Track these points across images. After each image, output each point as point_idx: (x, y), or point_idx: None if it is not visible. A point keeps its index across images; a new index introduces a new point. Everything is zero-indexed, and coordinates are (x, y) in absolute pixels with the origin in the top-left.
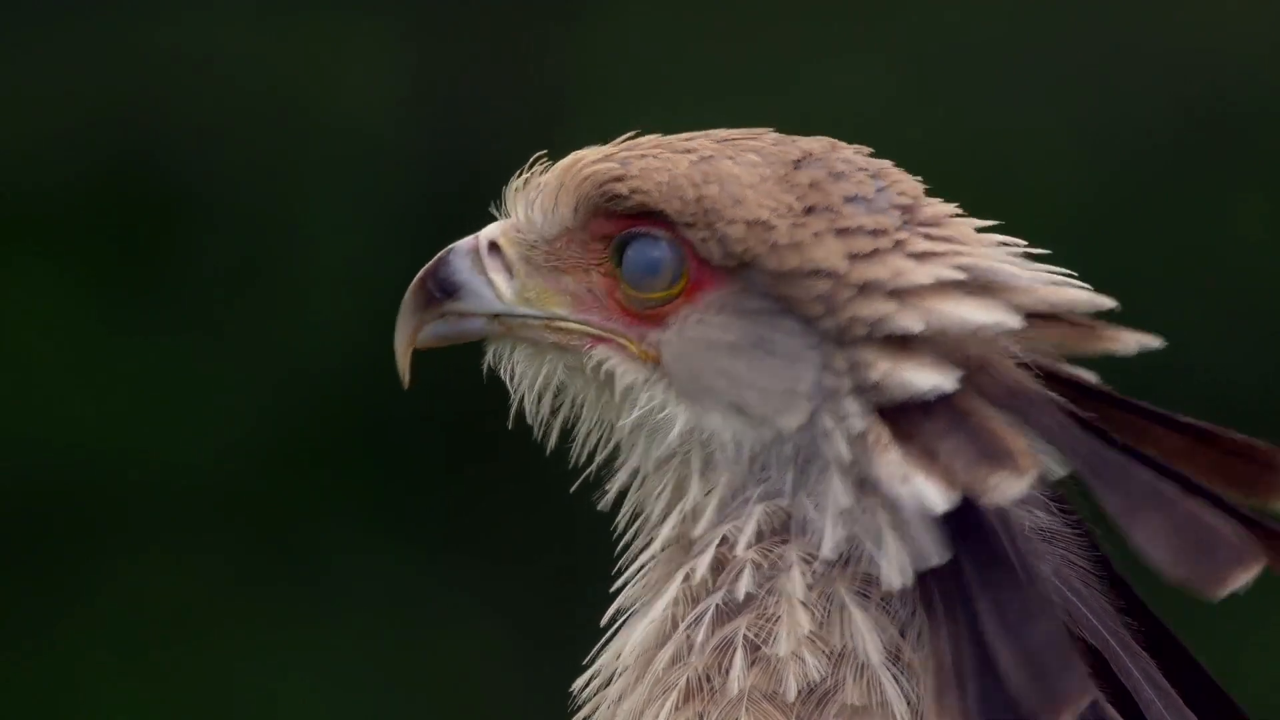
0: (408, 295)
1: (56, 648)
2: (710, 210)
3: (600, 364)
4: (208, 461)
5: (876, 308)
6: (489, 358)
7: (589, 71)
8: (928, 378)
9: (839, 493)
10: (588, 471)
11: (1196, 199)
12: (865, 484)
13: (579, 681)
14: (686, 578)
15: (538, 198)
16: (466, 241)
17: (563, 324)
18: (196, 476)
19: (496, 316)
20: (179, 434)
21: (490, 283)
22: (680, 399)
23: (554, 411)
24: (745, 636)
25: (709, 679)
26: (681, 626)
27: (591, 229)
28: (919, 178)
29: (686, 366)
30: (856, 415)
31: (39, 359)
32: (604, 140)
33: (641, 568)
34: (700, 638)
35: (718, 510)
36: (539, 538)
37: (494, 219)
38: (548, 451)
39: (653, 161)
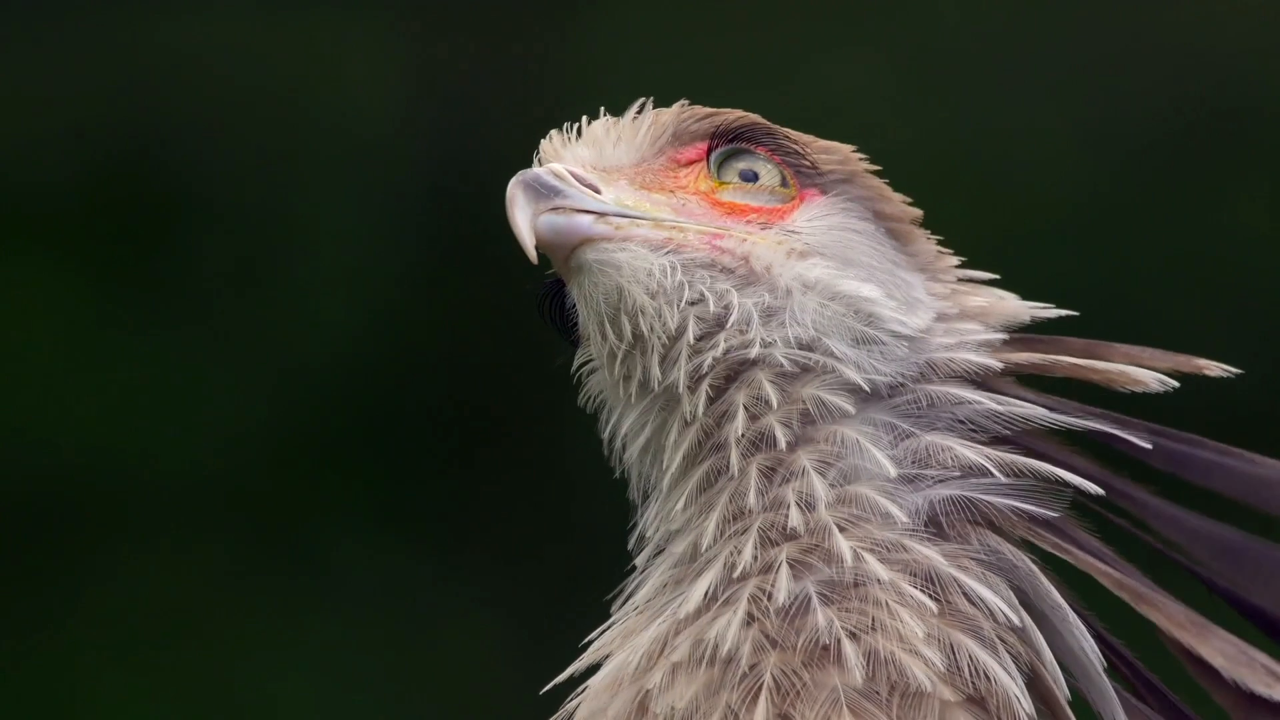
0: (517, 191)
1: (55, 645)
2: (800, 137)
3: (738, 248)
4: (208, 459)
5: (948, 259)
6: (589, 274)
7: (589, 71)
8: (1028, 307)
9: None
10: (598, 471)
11: (1197, 198)
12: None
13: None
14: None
15: (605, 134)
16: (537, 168)
17: (671, 224)
18: (197, 474)
19: (603, 215)
20: (179, 431)
21: (584, 191)
22: (832, 266)
23: (651, 325)
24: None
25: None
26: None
27: (678, 154)
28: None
29: (836, 242)
30: (979, 329)
31: (38, 356)
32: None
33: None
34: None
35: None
36: (540, 534)
37: (490, 220)
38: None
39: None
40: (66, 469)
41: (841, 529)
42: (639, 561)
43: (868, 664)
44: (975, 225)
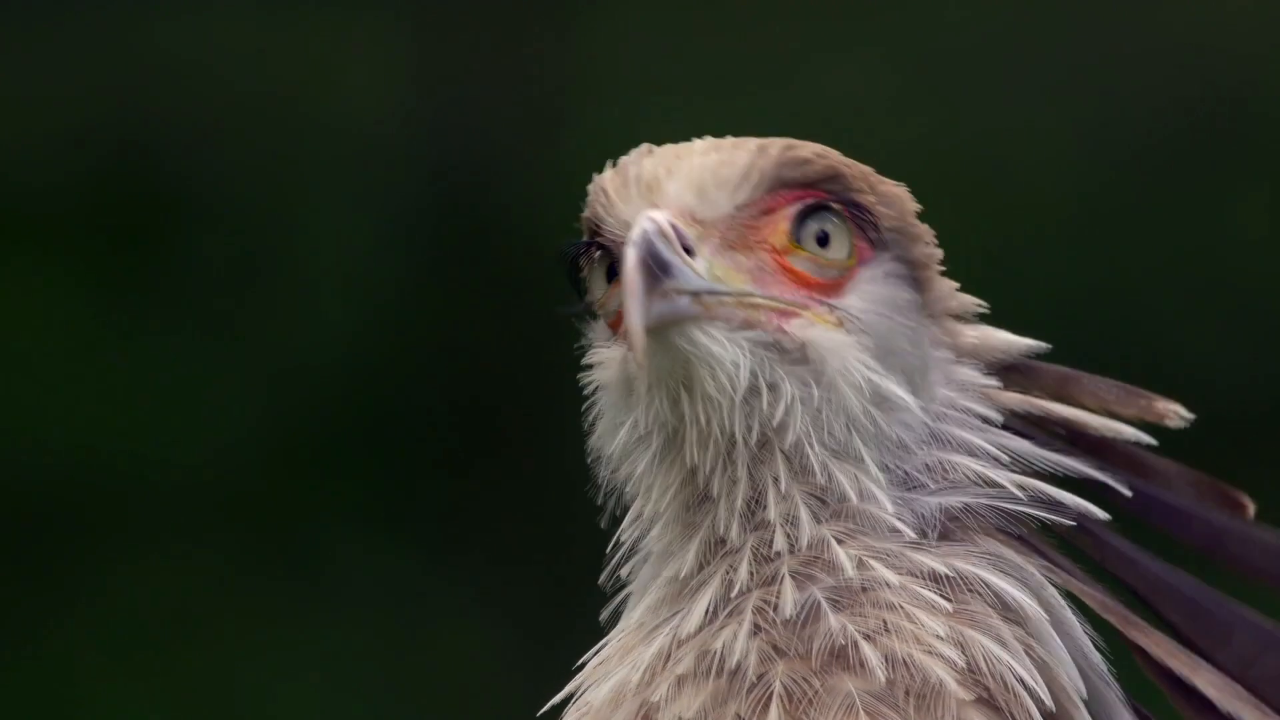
0: (635, 275)
1: (54, 647)
2: (868, 176)
3: (799, 333)
4: (207, 461)
5: (947, 284)
6: (667, 349)
7: (589, 71)
8: (1020, 339)
9: (986, 447)
10: (591, 476)
11: (1196, 199)
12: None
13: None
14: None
15: (708, 176)
16: (650, 224)
17: (752, 299)
18: (196, 476)
19: (697, 295)
20: (178, 433)
21: (686, 262)
22: (876, 360)
23: (720, 400)
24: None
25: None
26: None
27: (766, 203)
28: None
29: (879, 327)
30: (977, 375)
31: (37, 358)
32: (605, 139)
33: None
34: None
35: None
36: (539, 536)
37: (490, 220)
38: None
39: (799, 141)
40: (65, 471)
41: (839, 541)
42: (622, 572)
43: (888, 667)
44: (974, 226)
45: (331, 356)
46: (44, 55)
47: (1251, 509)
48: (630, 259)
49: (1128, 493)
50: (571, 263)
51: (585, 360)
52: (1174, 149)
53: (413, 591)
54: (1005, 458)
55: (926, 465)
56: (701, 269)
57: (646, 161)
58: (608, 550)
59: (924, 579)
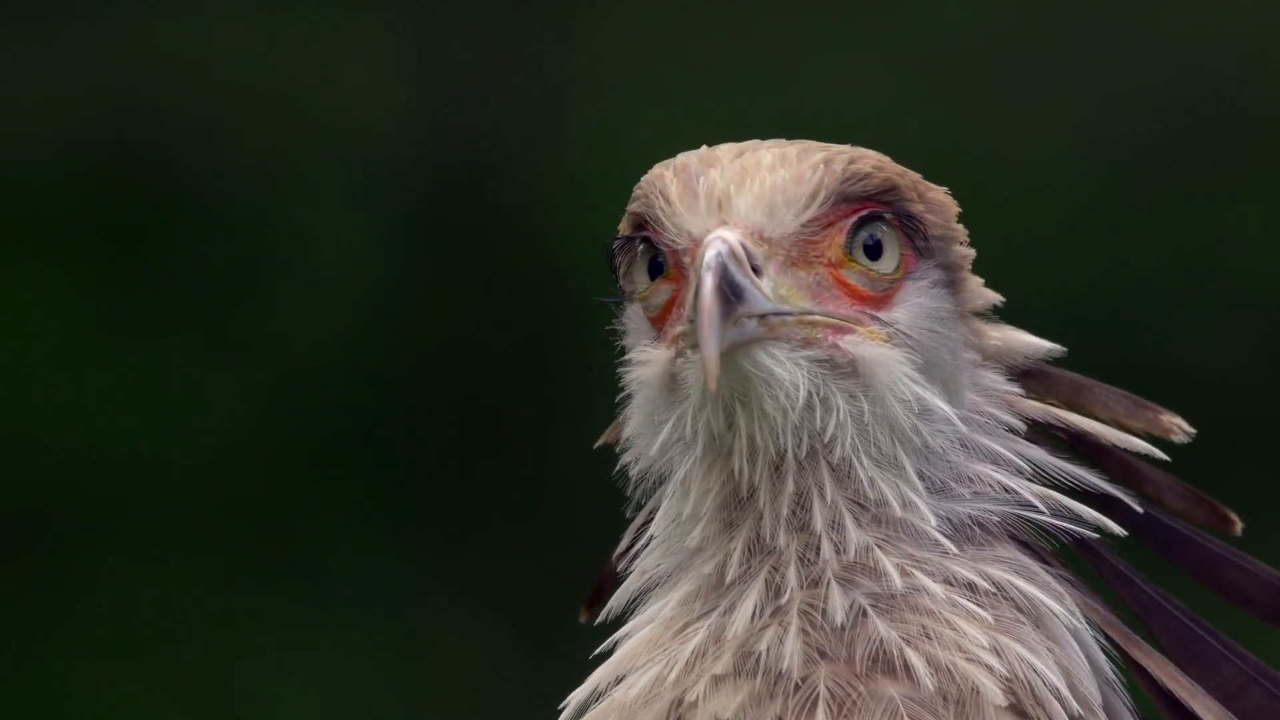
0: (713, 302)
1: (54, 648)
2: (918, 184)
3: (852, 349)
4: (207, 462)
5: (975, 281)
6: (729, 369)
7: (589, 71)
8: (1041, 342)
9: (1013, 457)
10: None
11: (1196, 198)
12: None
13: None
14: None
15: (778, 195)
16: (724, 245)
17: (811, 317)
18: (195, 476)
19: (764, 317)
20: (178, 434)
21: (755, 284)
22: (920, 373)
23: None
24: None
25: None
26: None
27: (828, 218)
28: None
29: (925, 341)
30: (1001, 381)
31: (37, 359)
32: (605, 140)
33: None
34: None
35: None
36: (538, 538)
37: (490, 221)
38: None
39: (859, 151)
40: (65, 471)
41: (880, 547)
42: (647, 564)
43: (932, 673)
44: (974, 226)
45: (331, 356)
46: (43, 56)
47: (1239, 527)
48: (708, 285)
49: (1140, 510)
50: (612, 254)
51: (626, 356)
52: (1174, 149)
53: (412, 591)
54: (1027, 468)
55: (957, 473)
56: (768, 289)
57: (715, 174)
58: (625, 537)
59: (961, 587)
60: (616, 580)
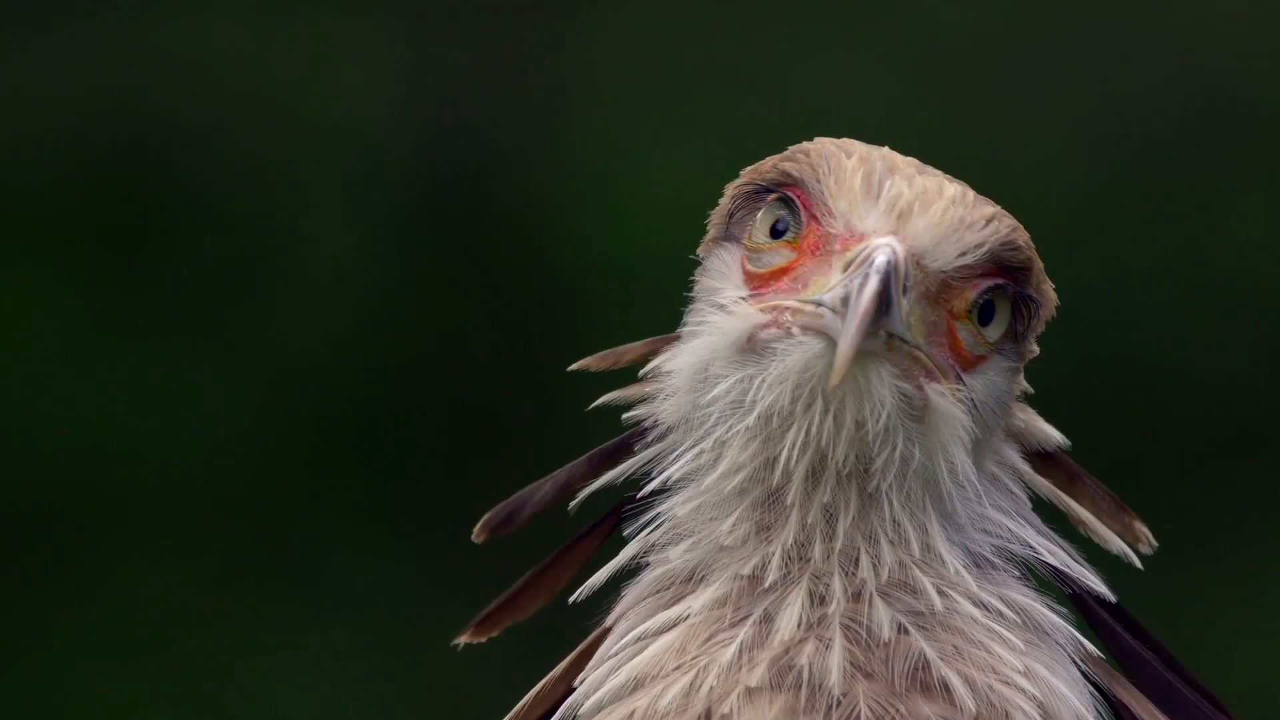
0: (870, 307)
1: (51, 648)
2: (1042, 274)
3: (933, 397)
4: (204, 463)
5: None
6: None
7: (588, 71)
8: (1055, 433)
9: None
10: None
11: (1196, 198)
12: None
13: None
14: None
15: (951, 231)
16: (892, 254)
17: (918, 354)
18: (193, 477)
19: (891, 337)
20: (175, 434)
21: (899, 304)
22: (969, 442)
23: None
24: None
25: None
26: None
27: (975, 271)
28: None
29: (986, 417)
30: (1017, 458)
31: (33, 360)
32: (602, 140)
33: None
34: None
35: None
36: (537, 538)
37: (485, 221)
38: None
39: (1015, 220)
40: (63, 472)
41: (917, 566)
42: (671, 554)
43: (971, 695)
44: None
45: (328, 357)
46: (41, 57)
47: (1147, 545)
48: (871, 287)
49: (1113, 598)
50: (741, 197)
51: (699, 290)
52: (1173, 149)
53: (410, 592)
54: (1030, 529)
55: (972, 527)
56: (904, 313)
57: (901, 183)
58: (637, 530)
59: (992, 611)
60: (540, 511)
